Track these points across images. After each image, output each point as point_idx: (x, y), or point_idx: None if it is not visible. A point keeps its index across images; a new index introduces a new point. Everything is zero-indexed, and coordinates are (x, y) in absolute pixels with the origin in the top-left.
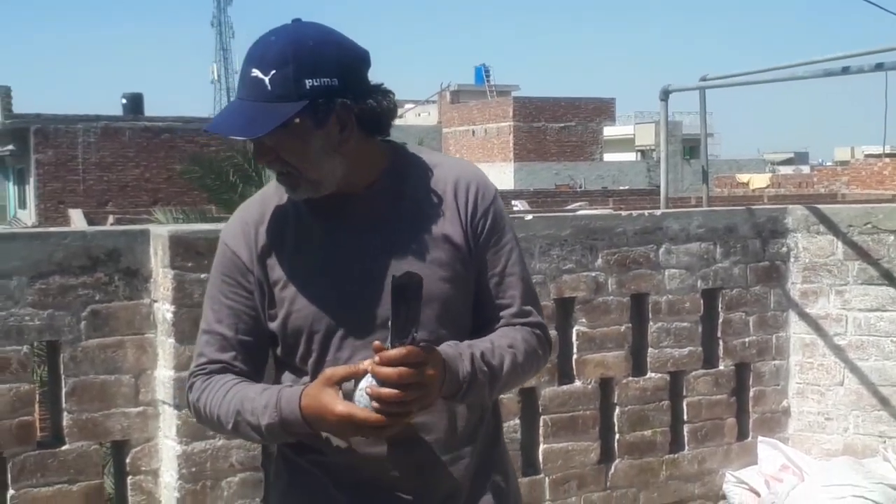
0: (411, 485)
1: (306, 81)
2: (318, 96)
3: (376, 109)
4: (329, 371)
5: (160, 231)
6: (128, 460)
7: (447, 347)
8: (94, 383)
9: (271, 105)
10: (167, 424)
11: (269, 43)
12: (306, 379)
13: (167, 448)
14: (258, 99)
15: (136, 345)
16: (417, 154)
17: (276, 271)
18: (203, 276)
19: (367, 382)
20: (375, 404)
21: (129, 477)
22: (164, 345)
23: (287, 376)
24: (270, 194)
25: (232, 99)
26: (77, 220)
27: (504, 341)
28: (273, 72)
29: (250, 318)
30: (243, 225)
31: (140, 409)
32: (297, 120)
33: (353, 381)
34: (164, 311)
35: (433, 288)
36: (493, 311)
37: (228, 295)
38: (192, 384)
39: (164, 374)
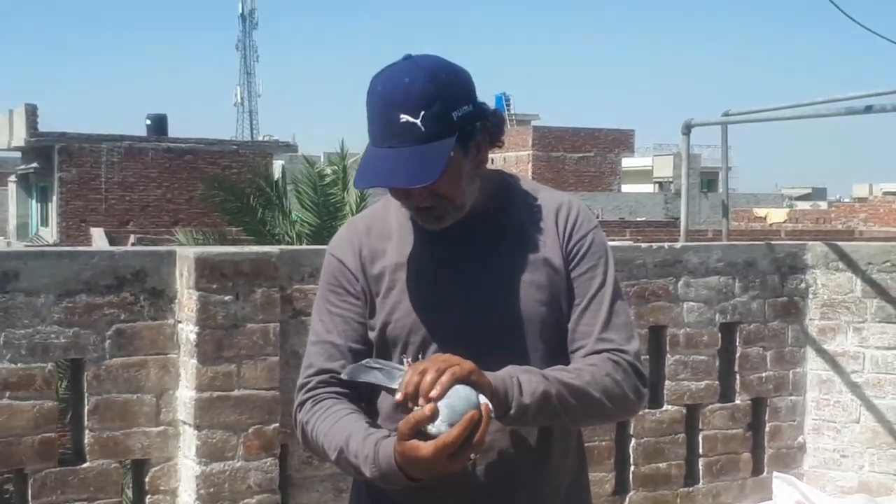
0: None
1: (453, 114)
2: (464, 125)
3: (498, 125)
4: (400, 426)
5: (186, 253)
6: (147, 479)
7: (503, 373)
8: (117, 402)
9: (428, 146)
10: (187, 444)
11: (405, 85)
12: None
13: (186, 468)
14: (413, 142)
15: (158, 364)
16: (522, 181)
17: (379, 281)
18: (227, 297)
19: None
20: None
21: (148, 496)
22: (187, 365)
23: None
24: (377, 210)
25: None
26: (98, 238)
27: (567, 370)
28: (423, 112)
29: (359, 325)
30: (349, 235)
31: (161, 428)
32: (452, 153)
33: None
34: (188, 331)
35: (530, 309)
36: (576, 336)
37: (336, 304)
38: (302, 402)
39: (185, 395)
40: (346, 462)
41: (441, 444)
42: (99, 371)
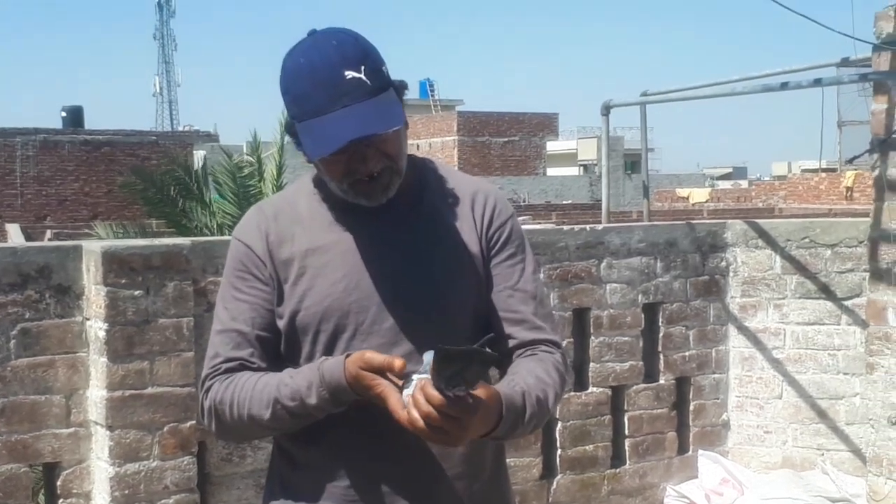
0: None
1: (383, 69)
2: (393, 82)
3: (404, 87)
4: (368, 355)
5: (93, 247)
6: (59, 483)
7: (507, 389)
8: (24, 404)
9: (379, 98)
10: (99, 446)
11: (336, 46)
12: None
13: (99, 470)
14: (365, 96)
15: (67, 364)
16: (437, 166)
17: (287, 267)
18: (137, 292)
19: (408, 390)
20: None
21: (61, 500)
22: (97, 364)
23: None
24: (287, 195)
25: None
26: (14, 234)
27: (540, 373)
28: (363, 67)
29: (267, 311)
30: (257, 220)
31: (72, 430)
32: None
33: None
34: (97, 329)
35: (447, 295)
36: (504, 325)
37: (243, 290)
38: (208, 387)
39: (96, 394)
40: (283, 412)
41: (399, 416)
42: (4, 372)
